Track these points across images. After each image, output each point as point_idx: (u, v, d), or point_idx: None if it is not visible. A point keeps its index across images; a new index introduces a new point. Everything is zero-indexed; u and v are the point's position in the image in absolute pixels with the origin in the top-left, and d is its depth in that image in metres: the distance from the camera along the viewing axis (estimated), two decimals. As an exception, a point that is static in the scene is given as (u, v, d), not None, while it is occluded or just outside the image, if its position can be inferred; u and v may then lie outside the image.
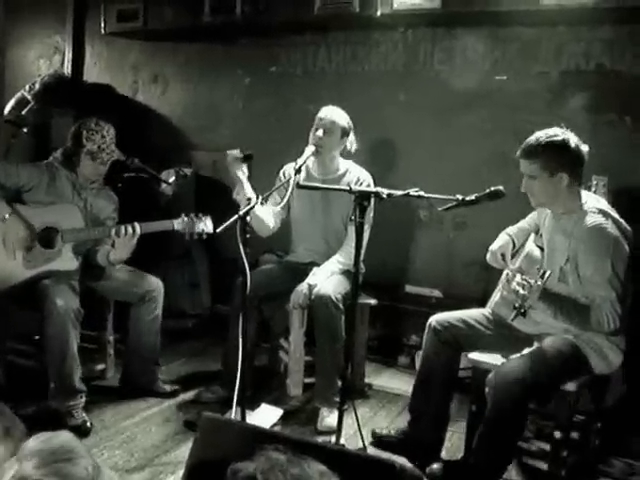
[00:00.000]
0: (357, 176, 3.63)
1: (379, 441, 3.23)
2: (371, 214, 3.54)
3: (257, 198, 3.06)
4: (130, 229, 3.29)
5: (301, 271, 3.61)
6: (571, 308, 2.58)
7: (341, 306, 3.37)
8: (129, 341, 3.68)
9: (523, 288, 2.36)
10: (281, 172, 3.67)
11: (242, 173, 3.29)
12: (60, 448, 1.33)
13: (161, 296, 3.66)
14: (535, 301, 2.38)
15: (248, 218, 2.65)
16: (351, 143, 3.64)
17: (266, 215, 3.55)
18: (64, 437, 1.38)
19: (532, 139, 2.66)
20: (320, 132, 3.50)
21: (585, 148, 2.65)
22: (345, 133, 3.58)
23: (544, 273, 2.39)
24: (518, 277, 2.41)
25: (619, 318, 2.52)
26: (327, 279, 3.49)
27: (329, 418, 3.35)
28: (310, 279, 3.50)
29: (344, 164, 3.70)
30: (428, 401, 3.07)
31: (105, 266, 3.52)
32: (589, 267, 2.59)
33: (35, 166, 3.52)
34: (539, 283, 2.36)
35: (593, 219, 2.61)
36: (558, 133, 2.64)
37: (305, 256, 3.75)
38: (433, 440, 3.09)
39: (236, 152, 3.25)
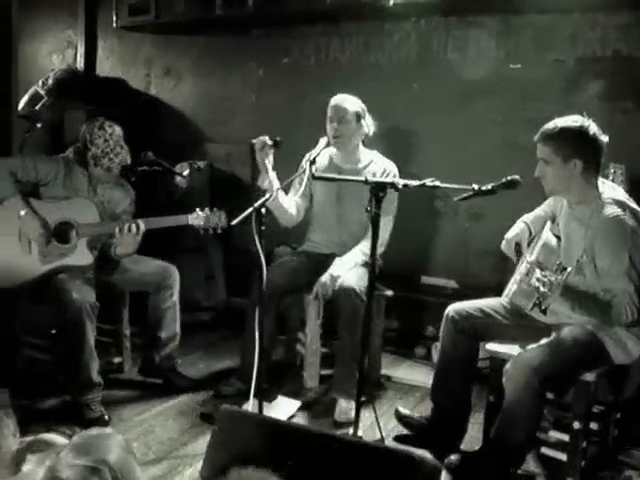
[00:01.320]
0: (383, 167, 3.61)
1: (402, 420, 3.24)
2: (394, 204, 3.53)
3: (274, 189, 3.05)
4: (134, 227, 3.29)
5: (321, 262, 3.59)
6: (590, 302, 2.55)
7: (364, 298, 3.36)
8: (148, 331, 3.70)
9: (543, 285, 2.33)
10: (303, 161, 3.66)
11: (268, 161, 3.27)
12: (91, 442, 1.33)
13: (177, 283, 3.67)
14: (556, 298, 2.35)
15: (264, 210, 2.64)
16: (368, 126, 3.61)
17: (289, 204, 3.55)
18: (100, 431, 1.39)
19: (550, 124, 2.65)
20: (335, 123, 3.49)
21: (604, 138, 2.62)
22: (360, 117, 3.56)
23: (564, 269, 2.35)
24: (538, 273, 2.37)
25: (637, 310, 2.49)
26: (350, 270, 3.47)
27: (346, 410, 3.34)
28: (333, 270, 3.48)
29: (369, 155, 3.68)
30: (448, 391, 3.07)
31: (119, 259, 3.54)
32: (606, 259, 2.56)
33: (52, 160, 3.53)
34: (560, 280, 2.32)
35: (610, 210, 2.57)
36: (577, 120, 2.61)
37: (324, 247, 3.73)
38: (455, 430, 3.09)
39: (265, 138, 3.22)
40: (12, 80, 4.75)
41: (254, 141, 3.24)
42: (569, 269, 2.36)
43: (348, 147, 3.60)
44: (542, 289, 2.33)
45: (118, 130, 3.49)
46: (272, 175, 3.29)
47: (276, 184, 3.27)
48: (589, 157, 2.62)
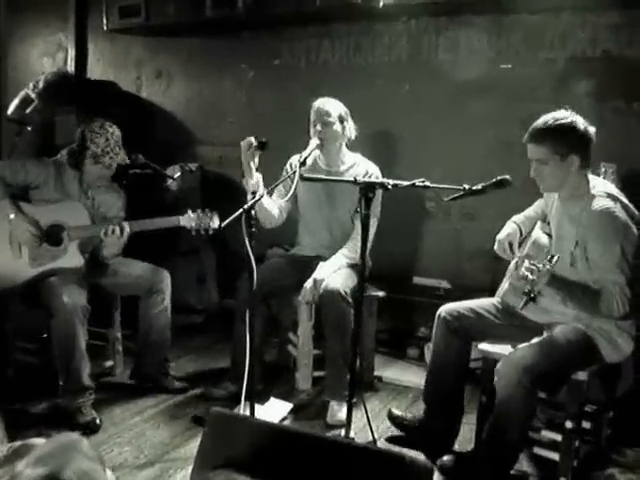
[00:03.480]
0: (366, 169, 3.61)
1: (395, 422, 3.24)
2: (378, 208, 3.53)
3: (262, 191, 3.04)
4: (117, 230, 3.30)
5: (306, 265, 3.60)
6: (580, 293, 2.56)
7: (350, 300, 3.35)
8: (139, 335, 3.68)
9: (532, 273, 2.34)
10: (287, 164, 3.66)
11: (253, 163, 3.26)
12: (57, 450, 1.30)
13: (169, 287, 3.66)
14: (544, 286, 2.35)
15: (253, 212, 2.63)
16: (350, 129, 3.62)
17: (272, 206, 3.54)
18: (65, 439, 1.36)
19: (539, 123, 2.64)
20: (319, 126, 3.50)
21: (592, 129, 2.63)
22: (343, 120, 3.57)
23: (552, 257, 2.36)
24: (526, 263, 2.38)
25: (628, 302, 2.49)
26: (334, 273, 3.47)
27: (339, 412, 3.34)
28: (316, 274, 3.48)
29: (352, 157, 3.69)
30: (441, 392, 3.07)
31: (109, 262, 3.53)
32: (598, 251, 2.57)
33: (42, 162, 3.52)
34: (547, 267, 2.33)
35: (601, 203, 2.58)
36: (566, 115, 2.61)
37: (310, 249, 3.75)
38: (447, 431, 3.09)
39: (251, 139, 3.21)
40: (2, 83, 4.74)
41: (247, 139, 3.24)
42: (557, 256, 2.36)
43: (332, 150, 3.60)
44: (530, 277, 2.33)
45: (117, 131, 3.48)
46: (257, 177, 3.28)
47: (261, 186, 3.26)
48: (584, 151, 2.63)
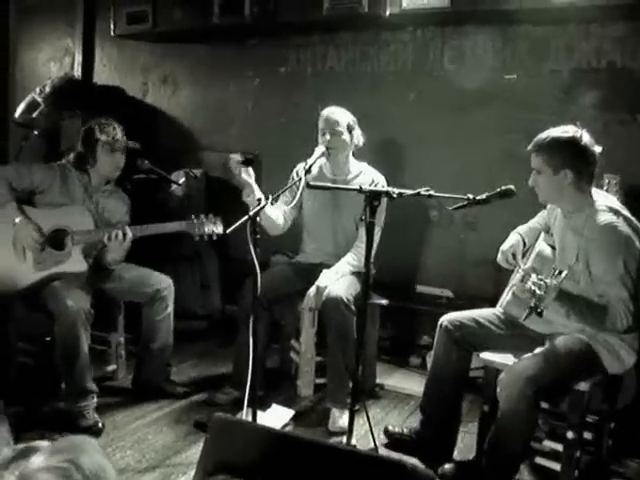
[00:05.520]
0: (371, 177, 3.63)
1: (391, 438, 3.23)
2: (383, 216, 3.54)
3: (267, 198, 3.06)
4: (120, 234, 3.31)
5: (310, 272, 3.61)
6: (584, 307, 2.56)
7: (353, 307, 3.36)
8: (140, 342, 3.69)
9: (539, 288, 2.33)
10: (294, 172, 3.68)
11: (248, 176, 3.27)
12: (66, 449, 1.31)
13: (172, 294, 3.66)
14: (551, 301, 2.36)
15: (258, 219, 2.64)
16: (358, 138, 3.64)
17: (276, 214, 3.55)
18: (75, 438, 1.36)
19: (544, 134, 2.67)
20: (328, 135, 3.51)
21: (597, 148, 2.62)
22: (351, 129, 3.59)
23: (560, 272, 2.36)
24: (534, 277, 2.38)
25: (632, 316, 2.50)
26: (337, 280, 3.48)
27: (340, 419, 3.34)
28: (320, 281, 3.49)
29: (358, 166, 3.70)
30: (439, 401, 3.06)
31: (114, 268, 3.54)
32: (601, 266, 2.57)
33: (48, 167, 3.53)
34: (555, 283, 2.33)
35: (604, 217, 2.59)
36: (569, 131, 2.62)
37: (314, 256, 3.76)
38: (444, 440, 3.08)
39: (237, 156, 3.23)
40: (9, 87, 4.76)
41: (231, 156, 3.25)
42: (565, 272, 2.37)
43: (339, 158, 3.62)
44: (538, 292, 2.33)
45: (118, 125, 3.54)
46: (255, 188, 3.29)
47: (261, 195, 3.26)
48: (580, 167, 2.62)
